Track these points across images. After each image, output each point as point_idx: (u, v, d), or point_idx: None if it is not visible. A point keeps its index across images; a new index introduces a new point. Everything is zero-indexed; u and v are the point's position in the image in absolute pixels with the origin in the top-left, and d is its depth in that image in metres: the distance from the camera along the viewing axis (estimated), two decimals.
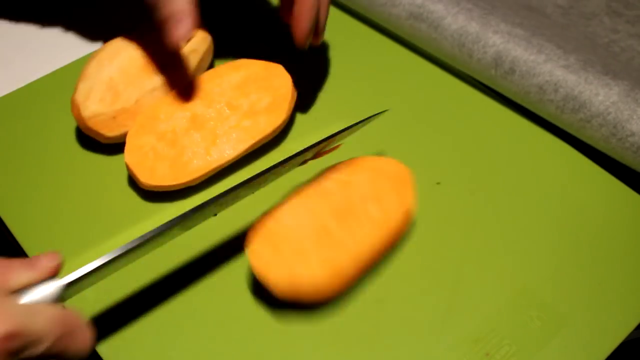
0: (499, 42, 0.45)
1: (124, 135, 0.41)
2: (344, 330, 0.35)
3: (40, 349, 0.26)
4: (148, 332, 0.35)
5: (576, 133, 0.44)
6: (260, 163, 0.42)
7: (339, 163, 0.39)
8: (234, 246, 0.38)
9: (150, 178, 0.39)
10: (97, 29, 0.51)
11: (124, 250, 0.30)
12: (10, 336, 0.24)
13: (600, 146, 0.43)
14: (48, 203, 0.40)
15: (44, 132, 0.44)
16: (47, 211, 0.40)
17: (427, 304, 0.37)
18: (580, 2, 0.52)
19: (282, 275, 0.33)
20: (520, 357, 0.35)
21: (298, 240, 0.34)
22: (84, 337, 0.28)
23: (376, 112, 0.41)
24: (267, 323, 0.36)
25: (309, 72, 0.48)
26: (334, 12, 0.53)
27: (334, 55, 0.50)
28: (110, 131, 0.41)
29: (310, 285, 0.33)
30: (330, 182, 0.37)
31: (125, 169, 0.41)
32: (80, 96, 0.40)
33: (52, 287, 0.28)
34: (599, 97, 0.42)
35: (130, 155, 0.39)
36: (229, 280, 0.37)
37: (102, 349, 0.34)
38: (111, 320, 0.35)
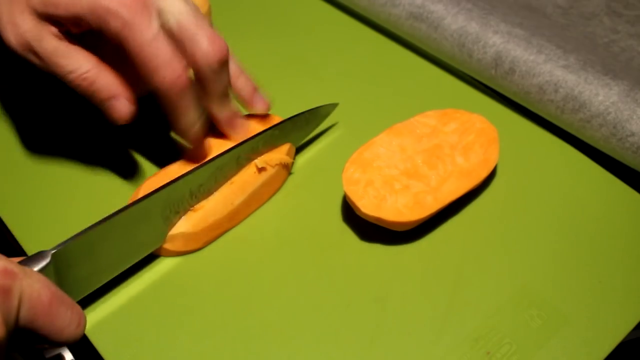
0: (498, 42, 0.45)
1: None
2: (344, 330, 0.35)
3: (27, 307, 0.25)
4: (148, 331, 0.35)
5: (576, 133, 0.44)
6: None
7: (431, 111, 0.42)
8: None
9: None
10: None
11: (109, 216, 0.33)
12: (8, 272, 0.24)
13: (600, 146, 0.43)
14: (48, 203, 0.40)
15: (44, 131, 0.44)
16: (47, 211, 0.40)
17: (427, 302, 0.37)
18: (580, 2, 0.52)
19: (369, 196, 0.38)
20: (521, 355, 0.35)
21: (387, 167, 0.39)
22: (73, 315, 0.27)
23: (325, 104, 0.43)
24: (266, 323, 0.36)
25: (310, 73, 0.49)
26: (334, 12, 0.53)
27: (334, 55, 0.50)
28: None
29: (392, 209, 0.37)
30: (422, 127, 0.41)
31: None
32: None
33: (40, 257, 0.30)
34: (598, 97, 0.42)
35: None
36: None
37: (102, 348, 0.34)
38: (111, 320, 0.35)
